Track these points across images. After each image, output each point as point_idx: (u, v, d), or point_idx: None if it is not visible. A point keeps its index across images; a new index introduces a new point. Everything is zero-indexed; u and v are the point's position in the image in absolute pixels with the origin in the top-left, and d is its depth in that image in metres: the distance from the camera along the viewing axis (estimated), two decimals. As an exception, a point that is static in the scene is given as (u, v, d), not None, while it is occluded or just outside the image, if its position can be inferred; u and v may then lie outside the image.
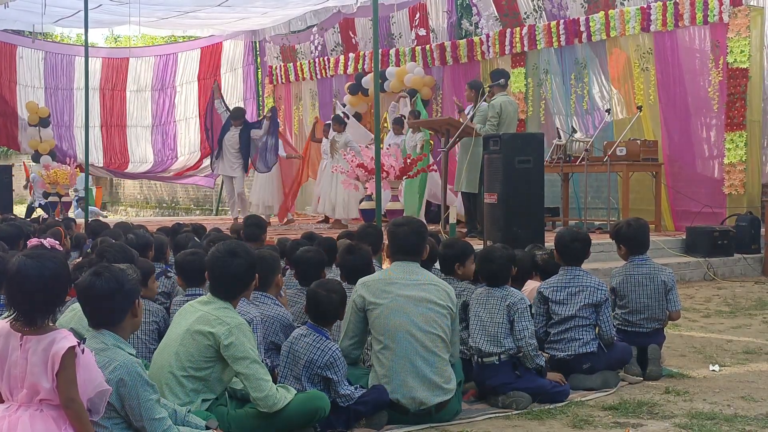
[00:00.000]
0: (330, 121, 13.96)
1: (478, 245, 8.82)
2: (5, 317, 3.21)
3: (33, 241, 4.76)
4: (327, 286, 4.54)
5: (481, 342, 4.89)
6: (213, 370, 3.95)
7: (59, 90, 19.52)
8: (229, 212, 14.84)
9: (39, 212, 17.19)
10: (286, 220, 14.36)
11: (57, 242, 4.65)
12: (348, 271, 5.19)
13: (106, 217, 20.06)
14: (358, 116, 15.13)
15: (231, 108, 14.09)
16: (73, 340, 3.09)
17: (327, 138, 13.70)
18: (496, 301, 4.94)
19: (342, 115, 13.90)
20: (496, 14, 13.93)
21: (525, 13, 13.57)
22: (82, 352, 3.10)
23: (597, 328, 5.29)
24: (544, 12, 13.34)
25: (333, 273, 6.15)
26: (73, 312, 4.11)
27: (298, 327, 4.58)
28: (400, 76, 14.57)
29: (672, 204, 11.79)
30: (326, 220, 14.07)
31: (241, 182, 13.69)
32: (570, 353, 5.19)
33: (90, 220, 11.80)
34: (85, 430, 3.12)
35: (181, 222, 9.74)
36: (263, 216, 11.31)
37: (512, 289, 5.06)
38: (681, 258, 10.22)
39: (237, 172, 13.59)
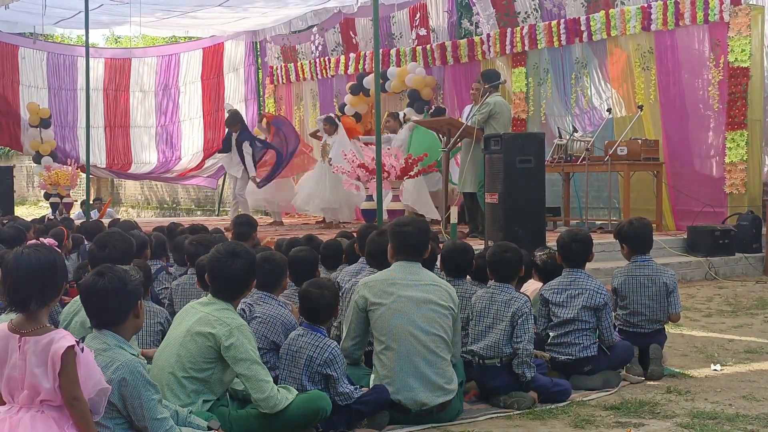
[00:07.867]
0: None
1: (479, 245, 8.85)
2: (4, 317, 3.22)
3: (32, 241, 4.78)
4: (318, 284, 4.54)
5: (480, 348, 4.85)
6: (214, 371, 3.96)
7: (63, 90, 19.48)
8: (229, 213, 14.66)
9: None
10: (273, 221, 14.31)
11: (55, 242, 4.67)
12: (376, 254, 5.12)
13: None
14: (357, 116, 15.13)
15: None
16: (71, 339, 3.09)
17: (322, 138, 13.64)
18: (500, 307, 4.86)
19: (333, 117, 13.74)
20: (496, 14, 13.91)
21: (525, 12, 13.55)
22: (82, 351, 3.11)
23: (597, 332, 5.28)
24: (542, 11, 13.31)
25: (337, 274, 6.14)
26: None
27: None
28: (402, 76, 14.57)
29: (673, 203, 11.78)
30: (323, 220, 13.96)
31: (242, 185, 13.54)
32: (570, 356, 5.19)
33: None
34: (89, 429, 3.12)
35: (176, 221, 9.74)
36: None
37: (516, 292, 4.98)
38: (682, 257, 10.21)
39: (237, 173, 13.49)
